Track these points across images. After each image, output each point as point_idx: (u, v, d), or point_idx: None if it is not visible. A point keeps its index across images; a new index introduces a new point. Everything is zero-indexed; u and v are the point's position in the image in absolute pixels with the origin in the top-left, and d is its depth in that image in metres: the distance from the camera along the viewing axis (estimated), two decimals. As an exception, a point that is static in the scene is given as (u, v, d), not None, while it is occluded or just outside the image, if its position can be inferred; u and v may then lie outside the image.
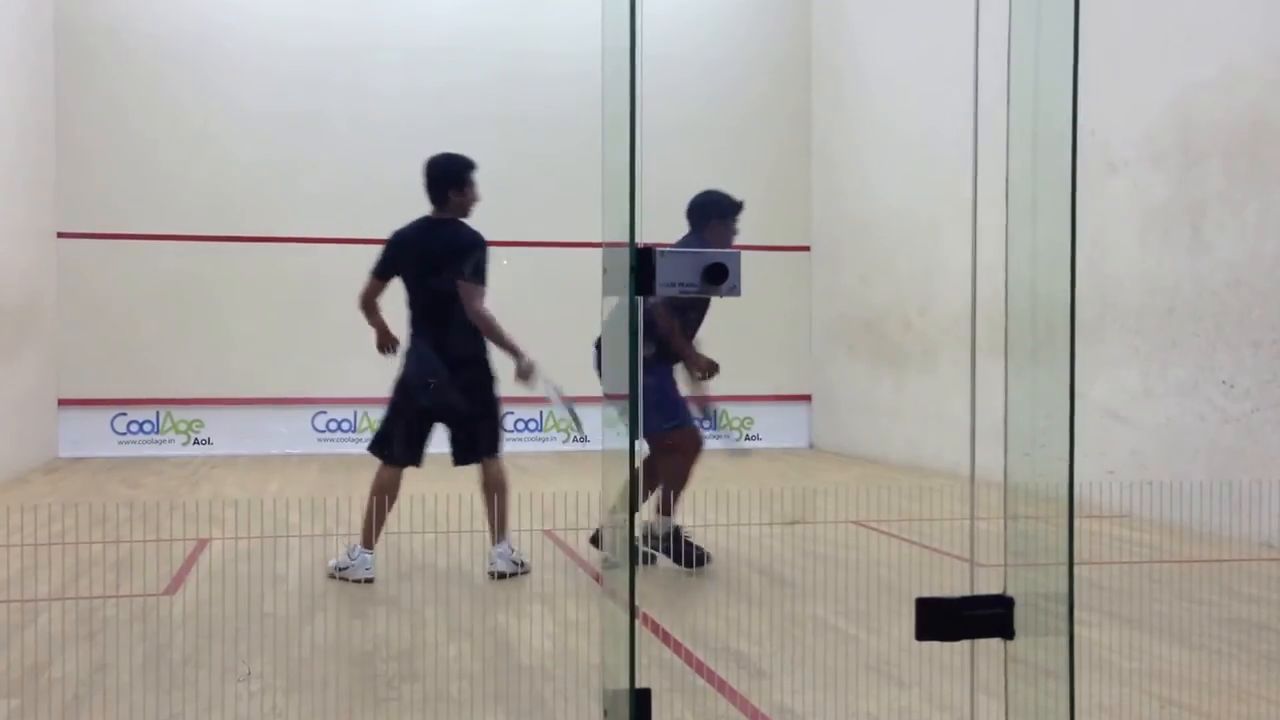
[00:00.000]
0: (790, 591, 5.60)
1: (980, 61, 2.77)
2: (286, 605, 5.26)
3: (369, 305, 6.17)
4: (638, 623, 2.61)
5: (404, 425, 5.95)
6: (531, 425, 12.33)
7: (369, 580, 5.74)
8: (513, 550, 5.96)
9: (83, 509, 7.60)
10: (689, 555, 5.94)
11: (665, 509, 6.02)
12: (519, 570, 5.89)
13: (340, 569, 5.81)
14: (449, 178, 6.09)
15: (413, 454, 5.96)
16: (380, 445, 6.04)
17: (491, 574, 5.85)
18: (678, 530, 6.03)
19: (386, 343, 6.16)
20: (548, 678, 4.21)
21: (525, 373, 6.01)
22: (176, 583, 5.75)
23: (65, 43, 11.70)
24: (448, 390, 5.86)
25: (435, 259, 5.95)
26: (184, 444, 11.91)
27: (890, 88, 11.47)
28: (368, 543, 5.84)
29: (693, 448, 6.04)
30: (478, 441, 6.02)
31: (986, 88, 2.79)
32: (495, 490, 5.98)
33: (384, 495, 5.86)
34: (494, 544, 5.95)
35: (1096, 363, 7.93)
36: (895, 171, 11.34)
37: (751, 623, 4.94)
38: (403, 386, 5.98)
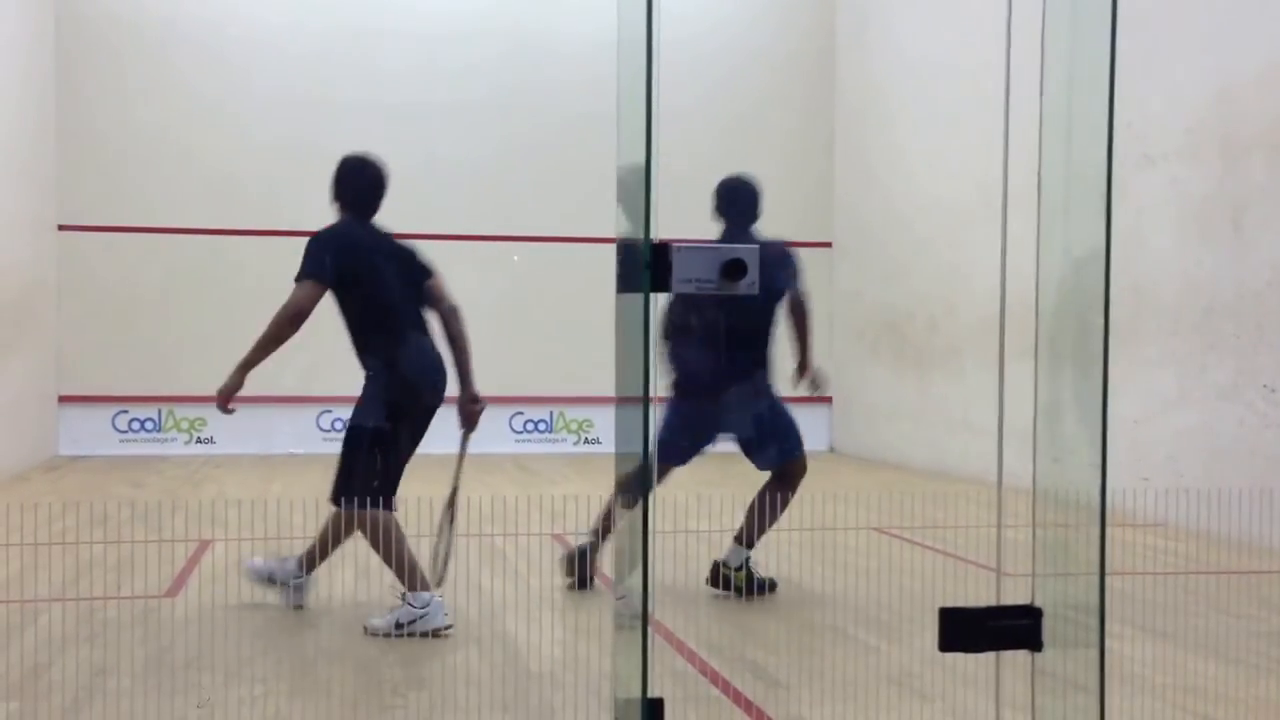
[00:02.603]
0: (808, 600, 5.51)
1: (1013, 50, 2.68)
2: (290, 608, 5.19)
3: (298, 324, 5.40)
4: (650, 630, 2.52)
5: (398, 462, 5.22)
6: (541, 426, 12.21)
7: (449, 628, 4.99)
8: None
9: (83, 508, 7.53)
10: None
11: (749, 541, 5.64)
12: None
13: (405, 623, 4.91)
14: (385, 182, 5.36)
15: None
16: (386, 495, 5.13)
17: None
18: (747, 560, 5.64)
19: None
20: (557, 686, 4.14)
21: None
22: (178, 584, 5.69)
23: (66, 30, 11.62)
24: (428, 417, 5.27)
25: (401, 263, 5.32)
26: (186, 443, 11.83)
27: (917, 78, 11.30)
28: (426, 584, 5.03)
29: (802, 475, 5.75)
30: None
31: (1019, 78, 2.69)
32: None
33: (402, 538, 5.07)
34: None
35: (1131, 365, 7.80)
36: (921, 165, 11.20)
37: (768, 632, 4.87)
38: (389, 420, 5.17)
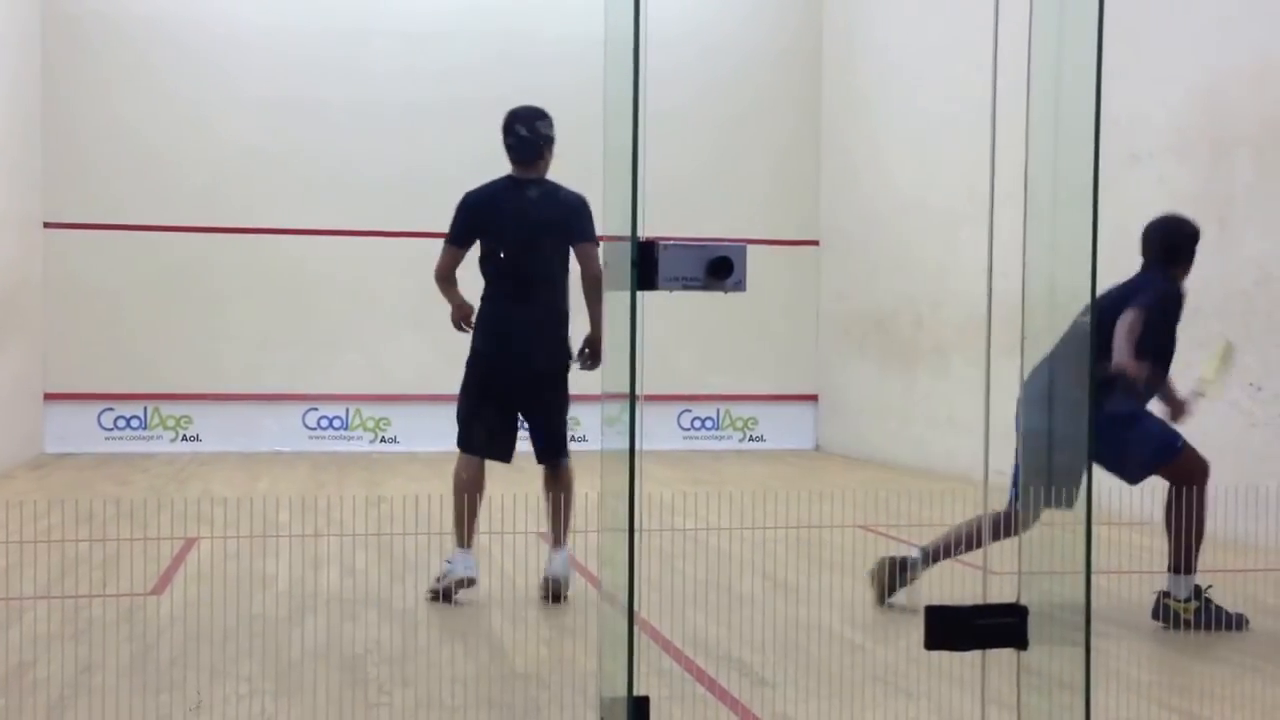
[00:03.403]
0: (795, 598, 5.49)
1: (1000, 47, 2.68)
2: (276, 607, 5.18)
3: (447, 278, 5.53)
4: (636, 628, 2.52)
5: (486, 413, 5.47)
6: (524, 425, 12.16)
7: (471, 581, 5.31)
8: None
9: (68, 506, 7.49)
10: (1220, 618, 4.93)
11: (1186, 565, 4.95)
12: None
13: (439, 579, 5.32)
14: (545, 131, 5.51)
15: (499, 448, 5.51)
16: (461, 435, 5.51)
17: (548, 583, 5.39)
18: (1199, 589, 5.01)
19: (464, 316, 5.53)
20: (543, 684, 4.13)
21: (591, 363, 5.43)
22: (164, 582, 5.67)
23: (53, 26, 11.55)
24: (534, 374, 5.42)
25: (537, 222, 5.36)
26: (172, 440, 11.79)
27: (904, 74, 11.27)
28: (461, 543, 5.35)
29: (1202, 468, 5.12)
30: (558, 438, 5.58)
31: (1006, 75, 2.69)
32: (565, 492, 5.52)
33: (464, 492, 5.33)
34: (553, 548, 5.46)
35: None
36: (909, 163, 11.19)
37: (754, 630, 4.85)
38: (481, 367, 5.49)
